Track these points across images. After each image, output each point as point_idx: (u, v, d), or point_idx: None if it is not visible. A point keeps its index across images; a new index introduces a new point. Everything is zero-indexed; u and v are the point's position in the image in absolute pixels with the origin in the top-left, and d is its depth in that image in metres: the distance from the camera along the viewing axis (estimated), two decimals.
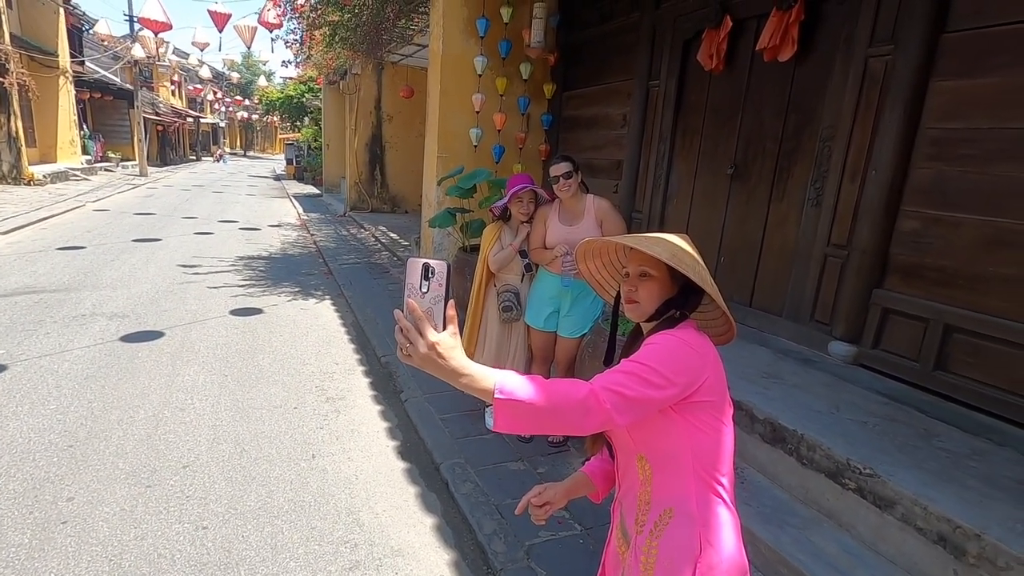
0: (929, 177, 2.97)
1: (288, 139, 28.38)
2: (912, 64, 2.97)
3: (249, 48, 9.61)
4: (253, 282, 6.38)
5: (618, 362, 1.05)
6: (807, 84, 3.62)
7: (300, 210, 13.34)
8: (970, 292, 2.80)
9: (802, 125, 3.67)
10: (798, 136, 3.70)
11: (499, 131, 6.11)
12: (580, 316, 2.92)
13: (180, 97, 32.97)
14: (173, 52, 23.95)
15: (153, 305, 5.23)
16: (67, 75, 16.70)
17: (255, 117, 42.46)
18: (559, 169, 2.76)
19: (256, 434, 3.11)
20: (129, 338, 4.37)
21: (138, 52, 16.02)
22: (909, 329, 3.04)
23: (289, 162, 26.75)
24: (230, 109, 37.85)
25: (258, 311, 5.31)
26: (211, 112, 40.83)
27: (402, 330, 0.86)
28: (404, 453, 3.04)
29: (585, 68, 5.99)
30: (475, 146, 6.05)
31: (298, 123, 26.09)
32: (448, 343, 0.86)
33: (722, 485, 1.10)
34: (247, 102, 36.79)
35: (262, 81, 23.62)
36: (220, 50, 8.53)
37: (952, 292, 2.87)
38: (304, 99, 22.74)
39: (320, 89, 21.78)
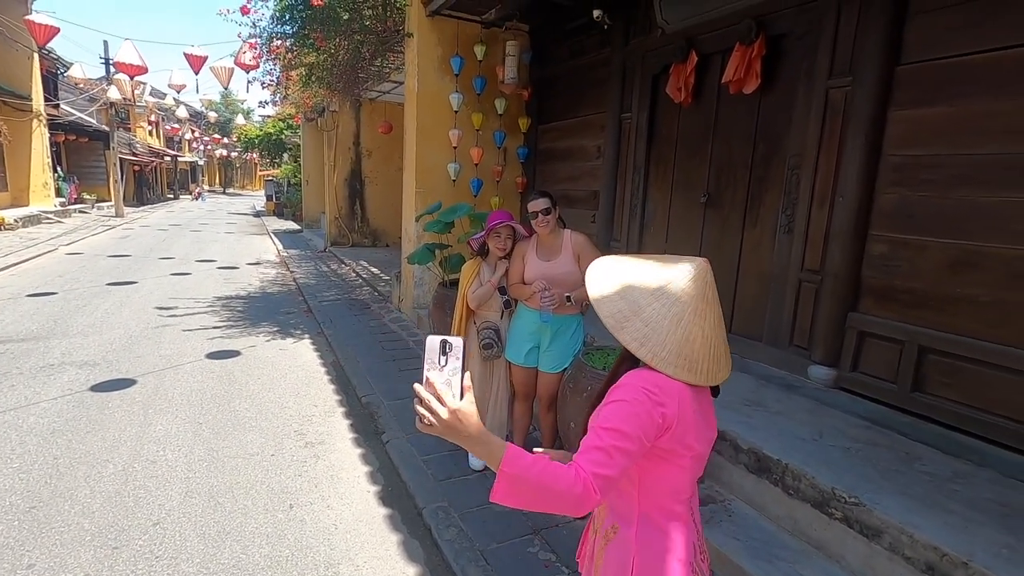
0: (894, 202, 3.05)
1: (268, 175, 28.35)
2: (870, 95, 3.08)
3: (226, 88, 9.65)
4: (231, 323, 6.27)
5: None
6: (773, 115, 3.74)
7: (280, 247, 13.24)
8: (941, 313, 2.85)
9: (770, 154, 3.76)
10: (767, 164, 3.79)
11: (476, 165, 6.18)
12: (560, 351, 2.89)
13: (158, 136, 32.90)
14: (150, 93, 23.98)
15: (126, 351, 5.09)
16: (40, 118, 16.58)
17: (234, 155, 42.45)
18: (537, 205, 2.76)
19: (231, 485, 3.00)
20: (99, 387, 4.23)
21: (114, 94, 15.99)
22: (885, 351, 3.07)
23: (269, 198, 26.64)
24: (208, 148, 37.81)
25: (235, 353, 5.20)
26: (189, 151, 40.76)
27: (422, 402, 0.94)
28: (386, 498, 2.96)
29: (558, 102, 6.12)
30: (453, 180, 6.10)
31: (277, 160, 26.16)
32: (468, 410, 0.95)
33: (673, 512, 1.15)
34: (226, 140, 36.79)
35: (240, 120, 23.61)
36: (197, 92, 8.58)
37: (923, 314, 2.92)
38: (283, 136, 22.85)
39: (299, 126, 21.98)
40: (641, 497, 1.14)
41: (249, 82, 8.41)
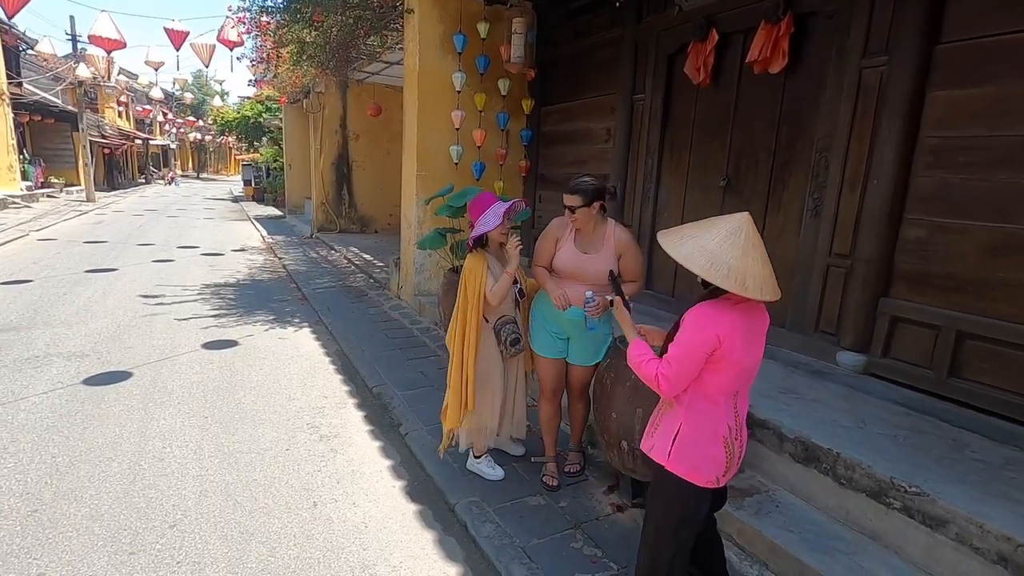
0: (931, 185, 2.99)
1: (246, 160, 27.53)
2: (907, 75, 3.00)
3: (207, 67, 9.22)
4: (224, 312, 6.02)
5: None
6: (799, 96, 3.65)
7: (264, 233, 12.86)
8: (980, 298, 2.81)
9: (796, 136, 3.68)
10: (792, 148, 3.71)
11: (479, 147, 6.00)
12: (595, 342, 2.71)
13: (128, 118, 31.64)
14: (118, 73, 22.96)
15: (116, 342, 4.83)
16: (3, 97, 15.75)
17: (208, 138, 41.14)
18: (570, 200, 2.46)
19: (248, 482, 2.84)
20: (92, 380, 4.00)
21: (83, 72, 15.22)
22: (919, 337, 3.03)
23: (247, 183, 25.93)
24: (181, 130, 36.54)
25: (233, 343, 4.98)
26: (161, 133, 39.34)
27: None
28: (413, 493, 2.83)
29: (563, 83, 5.95)
30: (456, 163, 5.91)
31: (256, 143, 25.38)
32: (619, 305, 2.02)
33: (716, 402, 1.68)
34: (200, 123, 35.57)
35: (217, 101, 22.79)
36: (178, 69, 8.16)
37: (962, 298, 2.88)
38: (261, 119, 22.13)
39: (279, 108, 21.30)
40: (693, 387, 1.69)
41: (238, 59, 8.03)
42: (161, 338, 5.00)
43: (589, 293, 2.39)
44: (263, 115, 21.95)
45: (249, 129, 23.15)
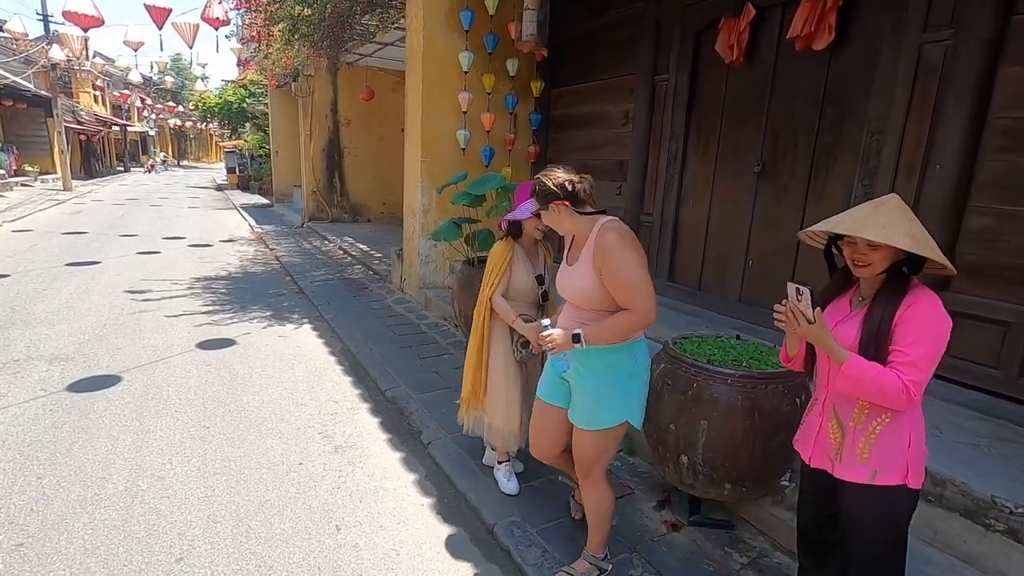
0: (1001, 170, 2.76)
1: (229, 147, 26.73)
2: (977, 50, 2.76)
3: (191, 47, 8.74)
4: (217, 307, 5.67)
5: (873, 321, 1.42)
6: (847, 74, 3.39)
7: (252, 222, 12.40)
8: None
9: (842, 119, 3.43)
10: (837, 130, 3.46)
11: (488, 132, 5.69)
12: (594, 398, 1.92)
13: (104, 104, 30.54)
14: (95, 56, 22.02)
15: (102, 342, 4.49)
16: None
17: (188, 124, 39.96)
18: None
19: (260, 504, 2.56)
20: (78, 387, 3.67)
21: (57, 54, 14.47)
22: (984, 334, 2.82)
23: (231, 171, 25.20)
24: (161, 116, 35.41)
25: (230, 342, 4.65)
26: (139, 120, 38.12)
27: (794, 312, 1.42)
28: (445, 513, 2.57)
29: (575, 64, 5.64)
30: (463, 149, 5.60)
31: (239, 129, 24.63)
32: (823, 321, 1.40)
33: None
34: (180, 108, 34.48)
35: (199, 86, 22.00)
36: (161, 50, 7.64)
37: None
38: (245, 104, 21.41)
39: (263, 93, 20.61)
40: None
41: (226, 36, 7.56)
42: (151, 337, 4.66)
43: (546, 322, 1.91)
44: (247, 100, 21.24)
45: (232, 115, 22.42)
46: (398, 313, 5.64)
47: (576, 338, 1.80)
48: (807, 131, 3.62)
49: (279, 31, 6.93)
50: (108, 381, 3.77)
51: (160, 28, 7.23)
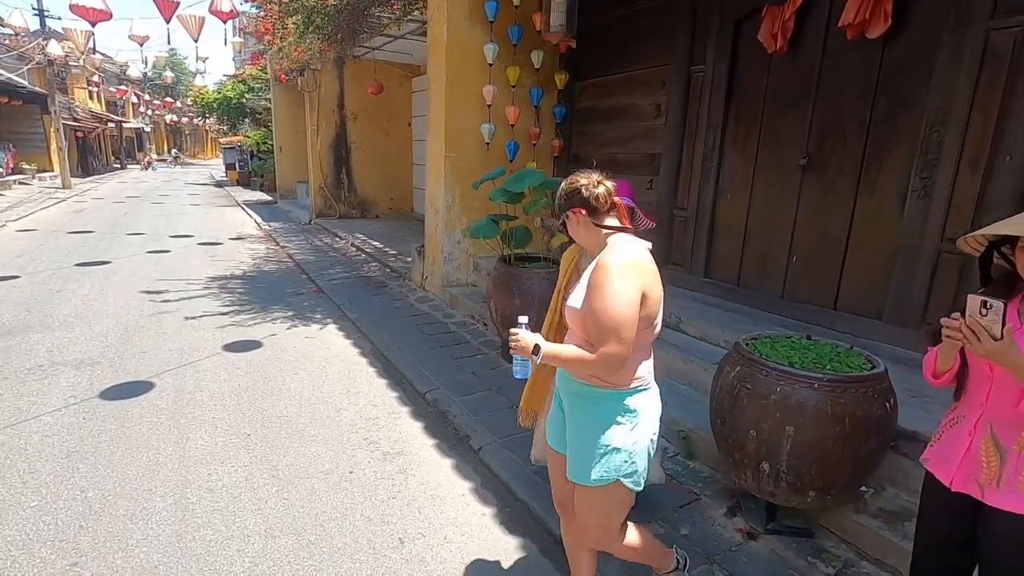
0: None
1: (228, 143, 26.45)
2: None
3: (196, 41, 8.55)
4: (237, 308, 5.55)
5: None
6: (903, 63, 3.29)
7: (259, 219, 12.24)
8: None
9: (896, 109, 3.33)
10: (892, 122, 3.36)
11: (512, 126, 5.57)
12: (581, 440, 1.69)
13: (99, 100, 30.16)
14: (93, 51, 21.66)
15: (126, 346, 4.37)
16: None
17: (184, 120, 39.57)
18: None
19: (316, 516, 2.46)
20: (110, 393, 3.55)
21: (55, 50, 14.21)
22: None
23: (231, 167, 24.95)
24: (157, 112, 35.02)
25: (256, 344, 4.54)
26: (134, 116, 37.72)
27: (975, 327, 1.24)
28: (509, 524, 2.48)
29: (601, 56, 5.51)
30: (487, 143, 5.47)
31: (238, 125, 24.37)
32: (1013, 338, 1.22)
33: None
34: (178, 104, 34.12)
35: (199, 81, 21.73)
36: (168, 43, 7.44)
37: None
38: (244, 99, 21.15)
39: (262, 88, 20.35)
40: None
41: (242, 28, 7.39)
42: (176, 340, 4.54)
43: (523, 319, 1.67)
44: (246, 95, 20.99)
45: (231, 110, 22.16)
46: (423, 312, 5.53)
47: (536, 349, 1.54)
48: (857, 123, 3.52)
49: (293, 23, 6.77)
50: (140, 387, 3.65)
51: (168, 21, 7.06)
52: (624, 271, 1.50)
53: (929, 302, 3.21)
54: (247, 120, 23.07)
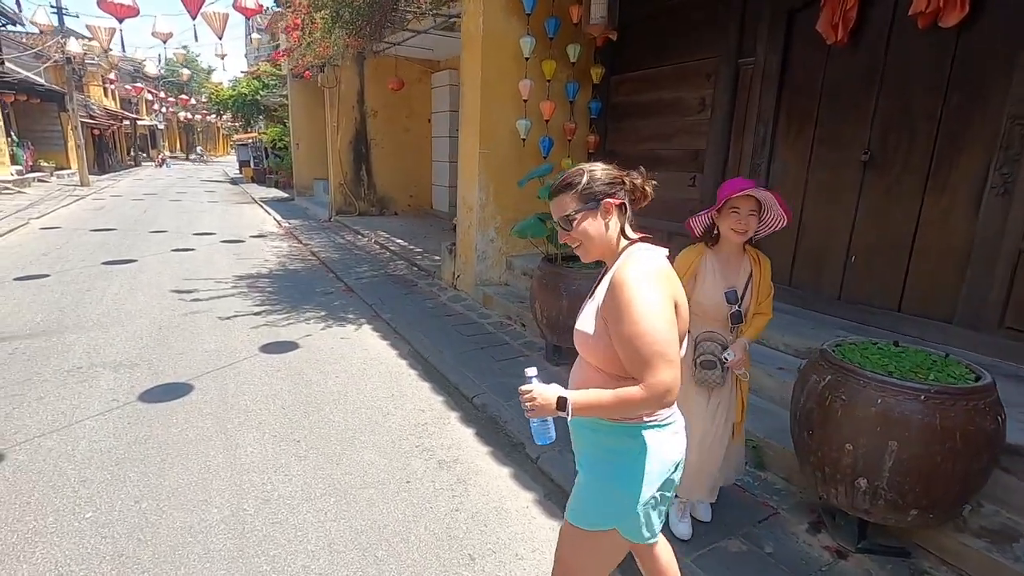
0: None
1: (242, 139, 26.49)
2: None
3: (220, 38, 8.48)
4: (268, 307, 5.47)
5: None
6: (980, 53, 3.12)
7: (278, 217, 12.20)
8: None
9: (973, 103, 3.16)
10: (966, 116, 3.19)
11: (547, 121, 5.43)
12: (582, 477, 1.51)
13: (113, 98, 30.32)
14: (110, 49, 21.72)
15: (162, 347, 4.30)
16: None
17: (197, 118, 39.73)
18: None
19: (379, 529, 2.36)
20: (151, 396, 3.48)
21: (74, 47, 14.23)
22: None
23: (244, 164, 25.01)
24: (171, 110, 35.20)
25: (293, 345, 4.45)
26: (148, 113, 37.94)
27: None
28: None
29: (641, 48, 5.36)
30: (523, 139, 5.35)
31: (252, 122, 24.39)
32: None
33: None
34: (193, 102, 34.27)
35: (216, 77, 21.76)
36: (196, 40, 7.43)
37: None
38: (259, 96, 21.15)
39: (276, 85, 20.32)
40: None
41: (265, 26, 7.28)
42: (211, 341, 4.47)
43: (531, 372, 1.32)
44: (260, 92, 20.99)
45: (246, 107, 22.16)
46: (457, 312, 5.42)
47: (561, 403, 1.25)
48: (926, 117, 3.36)
49: (321, 18, 6.67)
50: (180, 390, 3.58)
51: (194, 17, 6.98)
52: (649, 281, 1.26)
53: (1008, 304, 3.05)
54: (261, 117, 23.09)
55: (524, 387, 1.29)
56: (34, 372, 3.75)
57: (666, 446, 1.38)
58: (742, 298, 2.13)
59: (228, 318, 5.07)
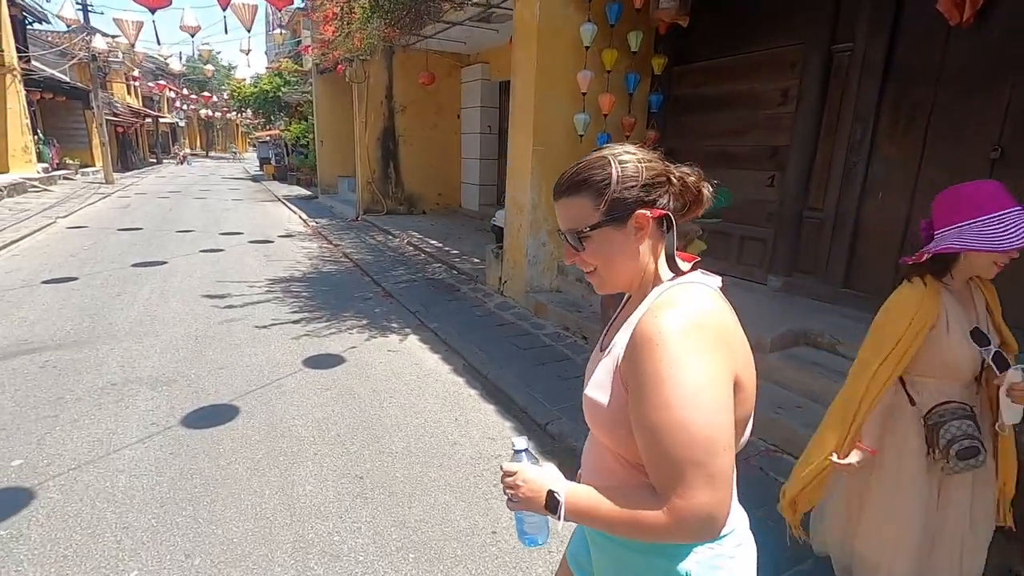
0: None
1: (263, 137, 26.41)
2: None
3: (249, 31, 8.20)
4: (306, 314, 5.15)
5: None
6: None
7: (303, 216, 11.94)
8: None
9: None
10: None
11: (606, 116, 5.03)
12: None
13: (135, 95, 30.44)
14: (135, 44, 21.71)
15: (200, 361, 3.99)
16: (15, 72, 14.73)
17: (217, 115, 39.83)
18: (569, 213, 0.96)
19: None
20: (193, 420, 3.16)
21: (99, 44, 14.11)
22: None
23: (266, 161, 24.92)
24: (193, 107, 35.31)
25: (338, 359, 4.12)
26: (169, 111, 38.13)
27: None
28: None
29: (710, 36, 4.92)
30: (580, 135, 4.95)
31: (273, 118, 24.26)
32: None
33: None
34: (215, 99, 34.35)
35: (239, 73, 21.65)
36: (226, 32, 7.19)
37: None
38: (281, 92, 20.97)
39: (298, 81, 20.12)
40: None
41: (306, 13, 6.98)
42: (251, 353, 4.15)
43: (520, 442, 0.96)
44: (282, 88, 20.81)
45: (268, 103, 22.00)
46: (508, 321, 5.05)
47: (551, 502, 0.86)
48: None
49: (360, 7, 6.33)
50: (225, 413, 3.25)
51: (224, 9, 6.68)
52: (695, 340, 0.80)
53: None
54: (282, 114, 22.93)
55: (507, 466, 0.92)
56: (66, 389, 3.46)
57: (724, 573, 0.90)
58: (989, 339, 1.54)
59: (266, 327, 4.76)
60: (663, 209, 0.89)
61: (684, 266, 0.91)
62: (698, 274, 0.92)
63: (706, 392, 0.78)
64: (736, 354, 0.85)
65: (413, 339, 4.64)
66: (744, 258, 4.75)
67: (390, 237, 9.27)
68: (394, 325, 4.98)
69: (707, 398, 0.78)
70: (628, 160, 0.89)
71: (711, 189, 0.95)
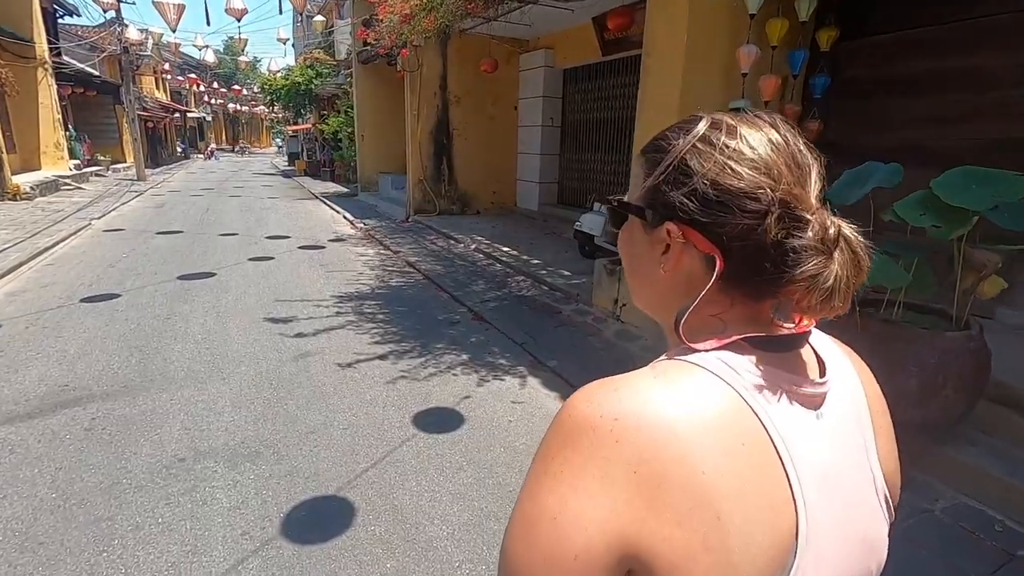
0: None
1: (292, 131, 25.73)
2: None
3: (301, 14, 7.32)
4: (392, 346, 4.27)
5: None
6: None
7: (348, 216, 11.13)
8: None
9: None
10: None
11: (766, 103, 4.03)
12: None
13: (164, 90, 30.05)
14: (162, 36, 21.14)
15: (283, 419, 3.13)
16: (47, 66, 14.17)
17: (244, 109, 39.44)
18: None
19: None
20: (296, 526, 2.28)
21: (133, 35, 13.45)
22: None
23: (295, 156, 24.29)
24: (221, 101, 34.91)
25: (455, 417, 3.23)
26: (196, 105, 37.80)
27: None
28: None
29: (894, 2, 3.90)
30: None
31: (303, 112, 23.54)
32: None
33: None
34: (245, 92, 33.85)
35: (274, 65, 20.96)
36: (280, 12, 6.34)
37: None
38: (313, 85, 20.19)
39: (331, 73, 19.33)
40: None
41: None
42: (344, 407, 3.28)
43: None
44: (314, 81, 20.04)
45: (299, 96, 21.25)
46: (636, 355, 4.12)
47: None
48: None
49: None
50: (336, 511, 2.37)
51: None
52: (595, 460, 0.45)
53: None
54: (312, 107, 22.18)
55: None
56: (120, 469, 2.62)
57: None
58: None
59: (350, 364, 3.89)
60: (715, 243, 0.49)
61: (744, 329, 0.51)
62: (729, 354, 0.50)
63: (545, 526, 0.45)
64: (686, 524, 0.43)
65: (535, 384, 3.72)
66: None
67: (451, 242, 8.37)
68: (502, 362, 4.07)
69: (544, 533, 0.45)
70: (726, 145, 0.49)
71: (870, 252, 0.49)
